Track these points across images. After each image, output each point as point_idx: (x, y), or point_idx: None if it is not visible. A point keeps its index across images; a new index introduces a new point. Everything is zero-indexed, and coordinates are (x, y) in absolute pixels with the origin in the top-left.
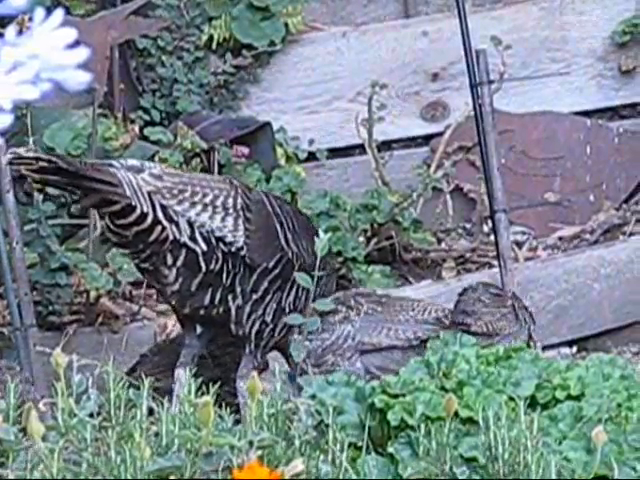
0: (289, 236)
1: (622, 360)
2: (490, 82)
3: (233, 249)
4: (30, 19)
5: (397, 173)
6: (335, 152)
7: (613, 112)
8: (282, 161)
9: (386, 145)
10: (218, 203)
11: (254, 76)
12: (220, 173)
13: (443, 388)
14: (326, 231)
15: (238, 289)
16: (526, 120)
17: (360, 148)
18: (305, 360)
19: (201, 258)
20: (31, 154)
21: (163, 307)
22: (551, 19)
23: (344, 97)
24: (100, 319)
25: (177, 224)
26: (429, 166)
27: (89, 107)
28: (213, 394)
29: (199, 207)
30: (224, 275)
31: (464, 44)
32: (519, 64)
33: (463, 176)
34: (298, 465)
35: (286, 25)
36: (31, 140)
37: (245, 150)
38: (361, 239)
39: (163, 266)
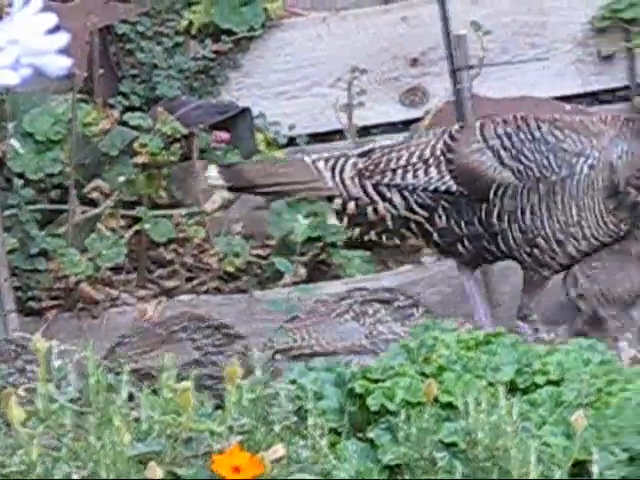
0: (504, 154)
1: (602, 345)
2: (470, 67)
3: (456, 194)
4: (10, 4)
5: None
6: (315, 137)
7: (593, 97)
8: (262, 146)
9: (366, 130)
10: (414, 159)
11: (234, 61)
12: (201, 158)
13: (423, 373)
14: (306, 217)
15: (480, 229)
16: (506, 105)
17: (340, 133)
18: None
19: (426, 224)
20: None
21: (143, 292)
22: (531, 4)
23: (324, 82)
24: (80, 304)
25: (390, 200)
26: None
27: (69, 92)
28: (193, 378)
29: (400, 172)
30: (459, 223)
31: (444, 29)
32: (499, 49)
33: None
34: (279, 450)
35: (266, 10)
36: (10, 125)
37: (225, 135)
38: (341, 224)
39: (410, 236)
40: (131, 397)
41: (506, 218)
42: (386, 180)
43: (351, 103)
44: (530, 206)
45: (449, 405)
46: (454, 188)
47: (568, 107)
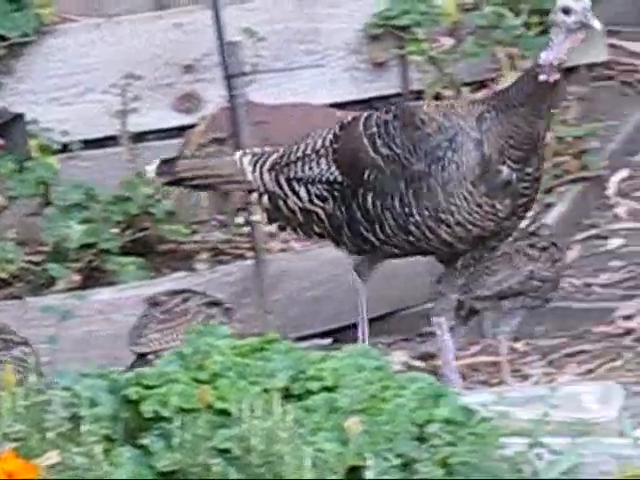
0: (378, 142)
1: (375, 351)
2: (244, 74)
3: (344, 183)
4: None
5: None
6: (89, 143)
7: (366, 104)
8: (36, 153)
9: (140, 137)
10: (309, 151)
11: (7, 67)
12: None
13: (198, 380)
14: (80, 223)
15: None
16: (281, 112)
17: (114, 139)
18: None
19: (322, 215)
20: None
21: None
22: (305, 11)
23: (98, 88)
24: None
25: (297, 193)
26: None
27: None
28: None
29: (299, 164)
30: (341, 208)
31: (217, 36)
32: (273, 56)
33: None
34: (53, 456)
35: (39, 16)
36: None
37: None
38: (115, 230)
39: (318, 230)
40: None
41: (379, 205)
42: (292, 174)
43: (125, 109)
44: (399, 193)
45: (224, 411)
46: (340, 178)
47: (341, 114)
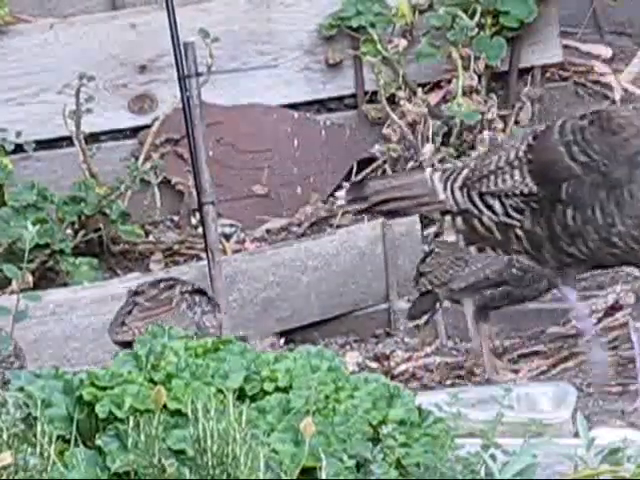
0: (575, 149)
1: (329, 352)
2: (198, 74)
3: (540, 195)
4: None
5: (105, 165)
6: (43, 144)
7: (320, 105)
8: None
9: (94, 137)
10: (502, 163)
11: None
12: None
13: (152, 380)
14: (34, 223)
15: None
16: (234, 112)
17: (68, 140)
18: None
19: (518, 229)
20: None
21: None
22: (258, 12)
23: (52, 89)
24: None
25: (492, 208)
26: (137, 158)
27: None
28: None
29: (492, 177)
30: (541, 224)
31: (172, 36)
32: (227, 57)
33: (171, 168)
34: (7, 457)
35: None
36: None
37: None
38: (69, 231)
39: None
40: None
41: (579, 218)
42: (484, 188)
43: (79, 110)
44: (599, 202)
45: (178, 412)
46: (535, 189)
47: (296, 115)
